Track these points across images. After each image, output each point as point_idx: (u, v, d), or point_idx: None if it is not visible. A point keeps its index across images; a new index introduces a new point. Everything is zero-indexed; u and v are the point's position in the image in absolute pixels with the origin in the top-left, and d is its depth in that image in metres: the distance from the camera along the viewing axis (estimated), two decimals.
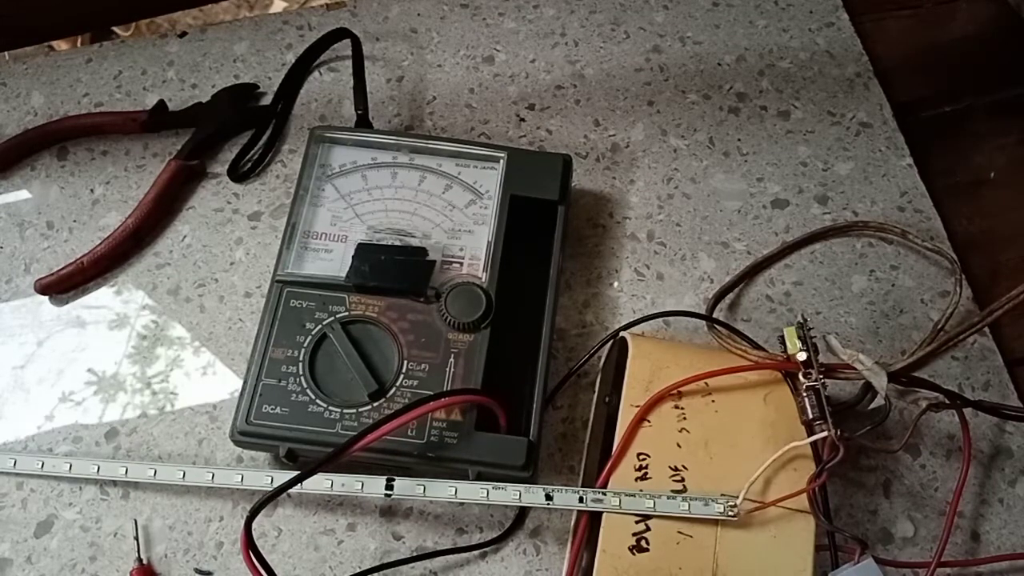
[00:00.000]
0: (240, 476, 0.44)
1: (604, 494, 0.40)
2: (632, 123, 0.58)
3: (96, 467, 0.45)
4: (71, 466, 0.45)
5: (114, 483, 0.47)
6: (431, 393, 0.44)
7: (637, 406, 0.42)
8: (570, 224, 0.53)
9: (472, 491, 0.42)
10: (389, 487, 0.42)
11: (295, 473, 0.41)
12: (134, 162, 0.56)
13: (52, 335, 0.51)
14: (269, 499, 0.39)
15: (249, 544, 0.39)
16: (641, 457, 0.41)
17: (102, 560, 0.45)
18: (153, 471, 0.45)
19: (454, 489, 0.42)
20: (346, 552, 0.45)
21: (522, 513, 0.46)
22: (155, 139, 0.57)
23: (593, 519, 0.42)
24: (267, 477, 0.44)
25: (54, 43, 0.77)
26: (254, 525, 0.46)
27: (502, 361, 0.46)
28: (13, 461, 0.46)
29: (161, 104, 0.57)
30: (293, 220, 0.49)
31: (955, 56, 0.62)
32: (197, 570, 0.45)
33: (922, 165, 0.56)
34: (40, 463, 0.46)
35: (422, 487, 0.42)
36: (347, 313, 0.47)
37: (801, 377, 0.41)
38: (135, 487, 0.47)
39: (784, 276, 0.53)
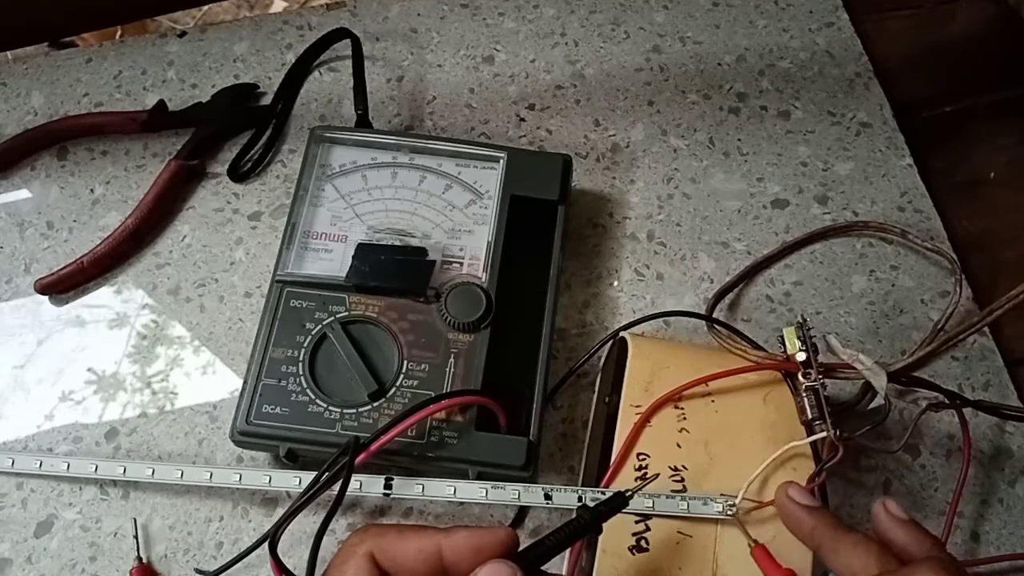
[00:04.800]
0: (238, 475, 0.44)
1: (603, 493, 0.40)
2: (632, 123, 0.58)
3: (94, 466, 0.45)
4: (69, 465, 0.45)
5: (114, 483, 0.47)
6: (431, 394, 0.44)
7: (637, 406, 0.42)
8: (570, 224, 0.53)
9: (471, 490, 0.42)
10: (388, 486, 0.42)
11: (293, 473, 0.41)
12: (134, 162, 0.56)
13: (52, 335, 0.51)
14: (288, 518, 0.39)
15: (282, 570, 0.39)
16: (641, 457, 0.41)
17: (102, 560, 0.45)
18: (151, 470, 0.44)
19: (453, 488, 0.42)
20: None
21: (521, 513, 0.46)
22: (155, 139, 0.57)
23: None
24: (265, 476, 0.44)
25: (53, 43, 0.77)
26: (254, 526, 0.46)
27: (502, 361, 0.46)
28: (11, 461, 0.46)
29: (161, 104, 0.57)
30: (293, 220, 0.49)
31: (955, 56, 0.62)
32: (197, 570, 0.45)
33: (922, 165, 0.56)
34: (38, 462, 0.46)
35: (421, 486, 0.42)
36: (347, 313, 0.47)
37: (801, 377, 0.41)
38: (135, 487, 0.47)
39: (784, 276, 0.53)
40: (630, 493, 0.35)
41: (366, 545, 0.31)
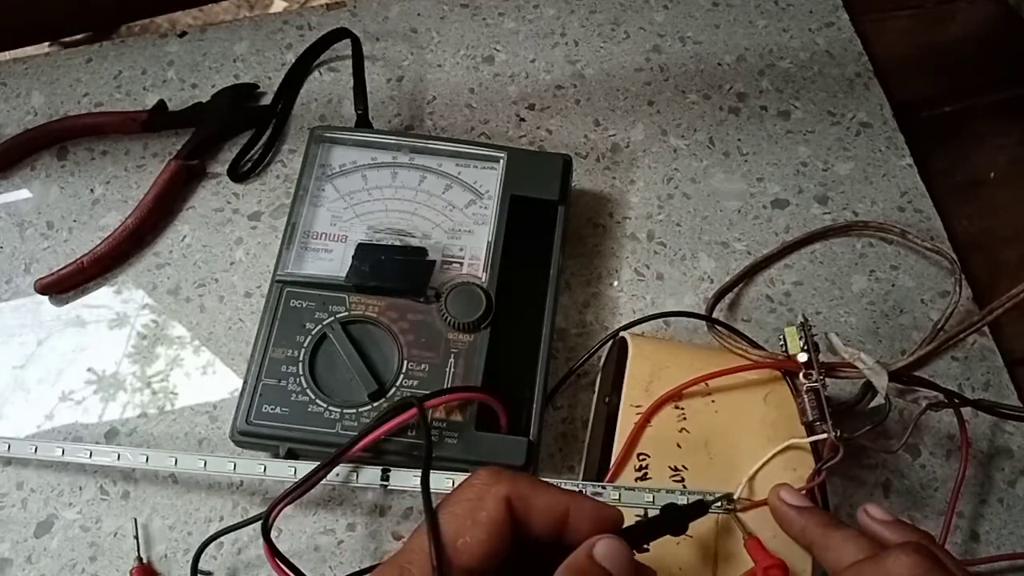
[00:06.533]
0: (232, 464, 0.43)
1: (604, 488, 0.40)
2: (632, 123, 0.58)
3: (88, 452, 0.45)
4: (64, 451, 0.45)
5: (113, 483, 0.47)
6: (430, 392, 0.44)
7: (637, 406, 0.42)
8: (570, 224, 0.53)
9: None
10: (385, 478, 0.42)
11: (288, 463, 0.41)
12: (134, 162, 0.56)
13: (52, 335, 0.51)
14: (281, 502, 0.39)
15: (274, 552, 0.39)
16: (641, 457, 0.41)
17: (102, 560, 0.45)
18: (145, 457, 0.44)
19: (452, 481, 0.42)
20: (346, 552, 0.45)
21: None
22: (155, 139, 0.57)
23: None
24: (259, 466, 0.43)
25: (53, 43, 0.77)
26: (255, 526, 0.46)
27: (502, 361, 0.46)
28: (8, 445, 0.46)
29: (161, 104, 0.57)
30: (293, 220, 0.49)
31: (955, 56, 0.62)
32: (198, 570, 0.45)
33: (922, 165, 0.56)
34: (34, 448, 0.46)
35: (419, 478, 0.42)
36: (347, 313, 0.47)
37: (802, 378, 0.41)
38: (135, 486, 0.47)
39: (784, 276, 0.53)
40: (712, 499, 0.38)
41: (503, 488, 0.32)
